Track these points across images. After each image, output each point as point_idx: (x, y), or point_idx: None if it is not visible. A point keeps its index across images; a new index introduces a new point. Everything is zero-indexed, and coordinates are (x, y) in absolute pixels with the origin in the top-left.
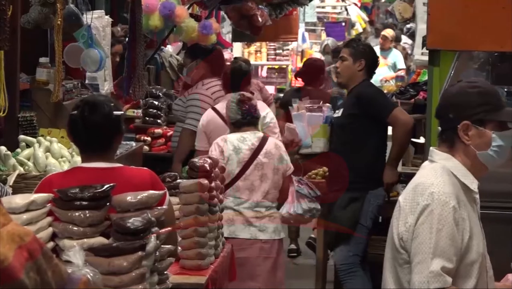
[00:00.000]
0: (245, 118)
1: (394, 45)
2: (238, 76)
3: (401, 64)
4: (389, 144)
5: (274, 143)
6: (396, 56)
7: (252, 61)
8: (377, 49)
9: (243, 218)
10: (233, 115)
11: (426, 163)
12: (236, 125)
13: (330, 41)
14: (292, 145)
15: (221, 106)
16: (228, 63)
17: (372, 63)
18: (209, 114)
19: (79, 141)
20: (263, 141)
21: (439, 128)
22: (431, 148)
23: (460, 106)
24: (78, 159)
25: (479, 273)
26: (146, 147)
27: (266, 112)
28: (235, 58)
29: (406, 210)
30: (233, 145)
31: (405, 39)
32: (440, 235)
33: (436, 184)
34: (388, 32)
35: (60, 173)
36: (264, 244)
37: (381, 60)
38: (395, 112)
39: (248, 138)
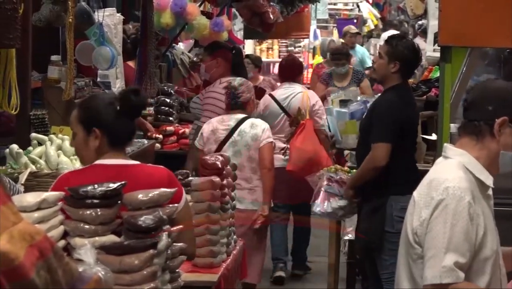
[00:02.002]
0: (230, 103)
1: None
2: (292, 67)
3: (368, 62)
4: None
5: (251, 123)
6: (362, 53)
7: (264, 59)
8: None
9: None
10: (224, 100)
11: (440, 159)
12: (226, 108)
13: (335, 40)
14: (328, 138)
15: (278, 94)
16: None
17: (409, 66)
18: (266, 99)
19: (115, 133)
20: (240, 122)
21: (463, 119)
22: (445, 144)
23: (503, 102)
24: None
25: (493, 270)
26: (157, 145)
27: (316, 101)
28: (247, 55)
29: (420, 205)
30: (213, 126)
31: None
32: (454, 229)
33: (451, 179)
34: (352, 29)
35: (77, 170)
36: (240, 213)
37: None
38: (378, 146)
39: (225, 120)
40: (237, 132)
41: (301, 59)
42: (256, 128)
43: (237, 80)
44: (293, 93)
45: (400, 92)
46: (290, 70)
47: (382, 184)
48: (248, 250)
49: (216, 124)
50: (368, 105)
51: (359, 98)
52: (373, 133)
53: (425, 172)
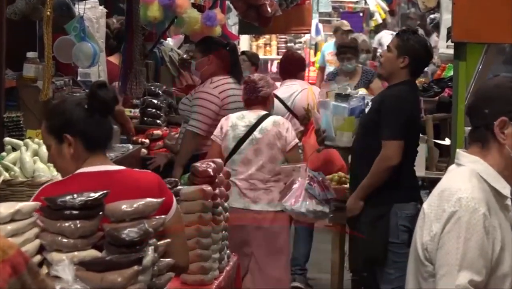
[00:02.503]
0: (249, 98)
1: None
2: (292, 63)
3: None
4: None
5: (273, 121)
6: None
7: (261, 56)
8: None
9: (238, 189)
10: (243, 95)
11: (452, 166)
12: (245, 104)
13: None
14: (317, 134)
15: (281, 92)
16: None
17: (419, 62)
18: None
19: (88, 135)
20: (261, 119)
21: (470, 126)
22: (458, 150)
23: (499, 101)
24: None
25: None
26: (144, 150)
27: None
28: (243, 52)
29: (431, 218)
30: (232, 122)
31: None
32: (468, 244)
33: (464, 189)
34: (344, 25)
35: (60, 182)
36: (256, 215)
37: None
38: (390, 144)
39: (246, 116)
40: (258, 129)
41: None
42: (278, 126)
43: (255, 74)
44: (297, 91)
45: (408, 89)
46: (291, 66)
47: (384, 190)
48: (269, 254)
49: (235, 120)
50: (366, 102)
51: (357, 95)
52: (383, 130)
53: (437, 180)
